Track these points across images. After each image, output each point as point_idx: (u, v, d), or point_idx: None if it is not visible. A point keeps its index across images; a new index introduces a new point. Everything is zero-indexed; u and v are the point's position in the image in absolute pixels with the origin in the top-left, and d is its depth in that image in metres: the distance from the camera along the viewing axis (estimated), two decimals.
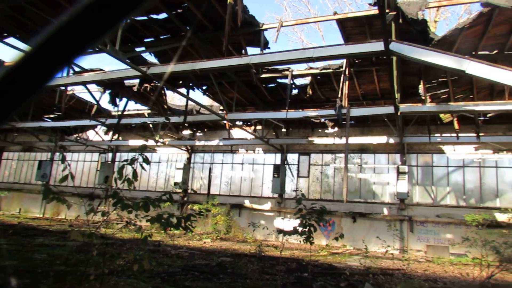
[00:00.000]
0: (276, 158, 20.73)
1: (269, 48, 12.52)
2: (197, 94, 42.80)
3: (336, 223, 18.17)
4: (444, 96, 14.34)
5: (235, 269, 9.03)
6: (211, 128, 22.37)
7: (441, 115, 15.58)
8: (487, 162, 17.14)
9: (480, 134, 15.10)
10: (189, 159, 22.84)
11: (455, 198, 17.32)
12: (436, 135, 16.51)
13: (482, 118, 15.34)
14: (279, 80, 15.20)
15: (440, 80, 13.54)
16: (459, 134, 15.25)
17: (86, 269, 5.25)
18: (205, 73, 11.73)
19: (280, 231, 7.70)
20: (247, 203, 20.42)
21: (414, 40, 9.33)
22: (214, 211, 18.38)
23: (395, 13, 9.85)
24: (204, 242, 15.83)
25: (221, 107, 17.41)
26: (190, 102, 14.97)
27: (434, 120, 16.56)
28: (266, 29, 11.67)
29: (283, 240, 10.62)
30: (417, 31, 10.54)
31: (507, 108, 11.31)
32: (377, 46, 8.85)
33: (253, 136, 17.84)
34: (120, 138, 23.28)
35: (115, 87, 15.42)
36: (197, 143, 20.85)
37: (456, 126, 14.97)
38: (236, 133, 21.08)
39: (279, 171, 19.25)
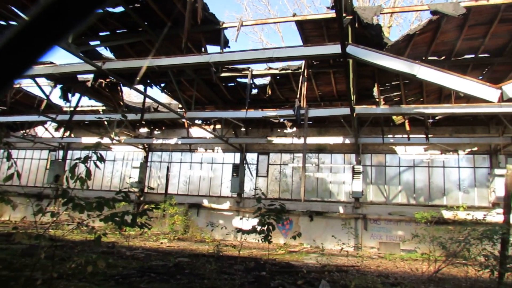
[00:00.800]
0: (236, 158, 20.72)
1: (229, 47, 12.47)
2: (155, 92, 41.84)
3: (294, 222, 18.46)
4: (396, 99, 14.99)
5: (193, 269, 8.90)
6: (169, 126, 21.93)
7: (394, 117, 16.27)
8: (435, 162, 18.15)
9: (429, 135, 15.92)
10: (146, 157, 22.26)
11: (406, 197, 18.18)
12: (389, 136, 17.22)
13: (431, 121, 16.19)
14: (239, 80, 15.19)
15: (393, 83, 14.13)
16: (410, 136, 16.01)
17: (33, 273, 4.95)
18: (163, 70, 11.47)
19: (238, 231, 7.68)
20: (205, 202, 20.25)
21: (369, 44, 9.64)
22: (171, 210, 18.05)
23: (351, 17, 10.15)
24: (161, 243, 15.50)
25: (180, 105, 17.13)
26: (147, 100, 14.60)
27: (387, 122, 17.26)
28: (226, 28, 11.61)
29: (242, 240, 10.62)
30: (372, 36, 10.91)
31: (453, 111, 12.00)
32: (335, 48, 9.08)
33: (213, 135, 17.71)
34: (72, 135, 22.25)
35: (67, 81, 14.70)
36: (155, 141, 20.37)
37: (408, 127, 15.69)
38: (195, 132, 20.83)
39: (238, 170, 19.25)
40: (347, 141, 16.93)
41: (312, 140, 17.16)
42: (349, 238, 16.10)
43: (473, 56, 12.57)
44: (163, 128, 22.24)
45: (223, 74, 14.35)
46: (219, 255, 10.03)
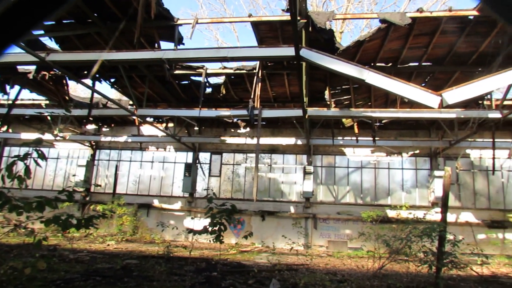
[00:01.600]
0: (188, 157, 20.41)
1: (183, 44, 12.26)
2: (104, 87, 40.14)
3: (246, 222, 18.53)
4: (346, 102, 15.54)
5: (142, 271, 8.63)
6: (119, 123, 21.13)
7: (344, 120, 16.85)
8: (381, 163, 19.05)
9: (376, 138, 16.67)
10: (93, 155, 21.28)
11: (353, 197, 18.90)
12: (339, 138, 17.83)
13: (378, 124, 16.94)
14: (193, 78, 14.97)
15: (343, 87, 14.63)
16: (359, 138, 16.67)
17: None
18: (114, 64, 11.03)
19: (190, 231, 7.56)
20: (156, 202, 19.74)
21: (322, 48, 9.89)
22: (119, 211, 17.38)
23: (305, 21, 10.38)
24: (108, 245, 14.89)
25: (131, 102, 16.55)
26: (96, 95, 13.94)
27: (338, 124, 17.84)
28: (181, 25, 11.40)
29: (193, 240, 10.46)
30: (325, 40, 11.23)
31: (398, 115, 12.66)
32: (289, 51, 9.23)
33: (165, 134, 17.30)
34: (10, 130, 20.75)
35: (6, 72, 13.68)
36: (103, 139, 19.53)
37: (356, 130, 16.32)
38: (146, 130, 20.21)
39: (190, 170, 18.97)
40: (299, 142, 17.29)
41: (265, 140, 17.35)
42: (300, 237, 16.43)
43: (417, 64, 13.34)
44: (112, 125, 21.39)
45: (176, 72, 14.08)
46: (169, 256, 9.81)
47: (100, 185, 7.32)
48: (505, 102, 12.79)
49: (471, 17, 10.31)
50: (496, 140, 14.68)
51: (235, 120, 17.36)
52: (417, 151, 18.72)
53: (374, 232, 9.09)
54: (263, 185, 19.43)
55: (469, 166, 18.32)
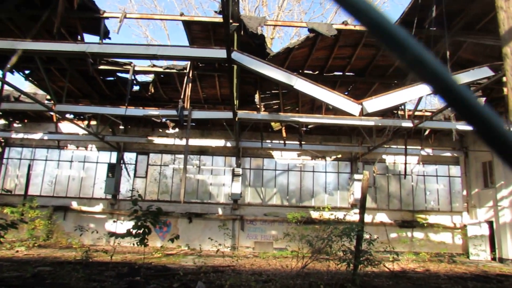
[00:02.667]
0: (112, 157, 19.38)
1: (109, 38, 11.66)
2: (17, 78, 36.59)
3: (172, 224, 18.10)
4: (275, 107, 15.97)
5: (56, 279, 7.98)
6: (33, 119, 19.34)
7: (272, 124, 17.30)
8: (306, 167, 19.86)
9: (302, 142, 17.38)
10: (1, 153, 19.23)
11: (280, 198, 19.46)
12: (267, 141, 18.25)
13: (304, 129, 17.64)
14: (119, 74, 14.28)
15: (273, 91, 15.01)
16: (286, 142, 17.22)
17: None
18: (30, 55, 10.10)
19: (112, 235, 7.18)
20: (74, 205, 18.43)
21: (253, 53, 10.06)
22: (32, 214, 15.88)
23: (237, 24, 10.46)
24: (17, 251, 13.55)
25: (48, 97, 15.29)
26: (6, 87, 12.62)
27: (266, 128, 18.26)
28: (107, 18, 10.83)
29: (115, 244, 9.94)
30: (256, 45, 11.43)
31: (323, 121, 13.32)
32: (221, 53, 9.24)
33: (86, 132, 16.24)
34: None
35: None
36: (14, 135, 17.78)
37: (284, 134, 16.85)
38: (66, 127, 18.80)
39: (114, 170, 18.03)
40: (229, 144, 17.36)
41: (195, 141, 17.14)
42: (227, 239, 16.47)
43: (341, 73, 14.18)
44: (26, 120, 19.52)
45: (101, 67, 13.31)
46: (88, 261, 9.21)
47: (10, 191, 6.46)
48: (416, 113, 14.11)
49: None
50: (408, 147, 16.14)
51: (163, 120, 16.90)
52: (339, 156, 19.85)
53: (299, 233, 9.43)
54: (191, 186, 19.16)
55: (384, 171, 19.89)
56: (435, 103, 29.97)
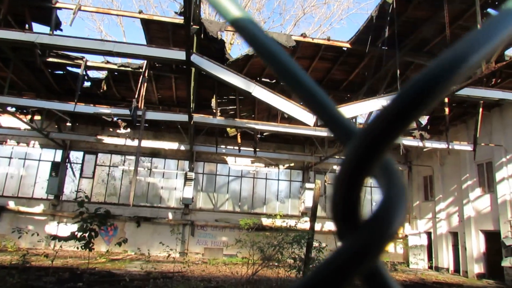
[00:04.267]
0: (57, 155, 18.30)
1: (61, 30, 11.10)
2: None
3: (119, 228, 17.38)
4: (231, 112, 15.95)
5: None
6: None
7: (228, 129, 17.25)
8: (259, 174, 19.99)
9: (257, 149, 17.47)
10: None
11: (232, 205, 19.39)
12: (222, 146, 18.14)
13: (259, 136, 17.77)
14: (69, 69, 13.59)
15: (230, 97, 15.00)
16: (241, 148, 17.22)
17: None
18: None
19: (54, 238, 6.75)
20: (12, 205, 17.12)
21: (212, 57, 10.01)
22: None
23: (198, 27, 10.38)
24: None
25: None
26: None
27: (222, 133, 18.17)
28: (60, 8, 10.30)
29: (57, 248, 9.38)
30: (216, 49, 11.39)
31: (278, 129, 13.49)
32: (180, 55, 9.09)
33: (29, 127, 15.21)
34: None
35: None
36: None
37: (239, 140, 16.85)
38: (6, 120, 17.47)
39: (58, 169, 17.02)
40: (182, 147, 17.04)
41: (147, 143, 16.62)
42: (177, 244, 16.11)
43: None
44: None
45: (50, 59, 12.59)
46: (25, 266, 8.56)
47: None
48: None
49: (345, 49, 11.68)
50: None
51: (115, 119, 16.23)
52: (292, 164, 20.20)
53: (250, 239, 9.44)
54: (141, 189, 18.57)
55: None
56: None
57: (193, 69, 10.78)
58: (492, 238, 15.04)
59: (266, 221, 16.76)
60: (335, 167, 20.05)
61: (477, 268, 15.53)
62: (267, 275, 8.80)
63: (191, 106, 12.12)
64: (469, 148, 14.84)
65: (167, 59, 9.23)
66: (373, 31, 10.19)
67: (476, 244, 15.74)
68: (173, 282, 8.09)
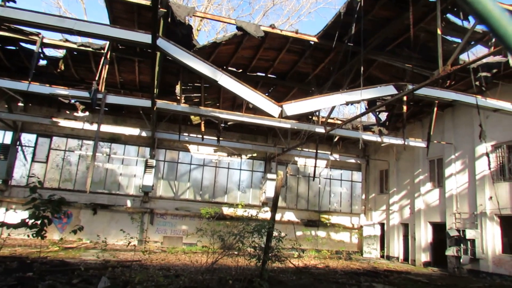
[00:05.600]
0: (6, 137, 17.23)
1: (14, 2, 10.31)
2: None
3: (73, 215, 16.74)
4: (196, 100, 15.72)
5: None
6: None
7: (192, 117, 17.02)
8: (221, 163, 19.93)
9: (220, 138, 17.40)
10: None
11: (193, 193, 19.24)
12: (185, 134, 17.88)
13: (223, 125, 17.71)
14: (23, 45, 12.76)
15: (195, 84, 14.77)
16: (204, 136, 17.06)
17: None
18: None
19: (2, 225, 6.37)
20: None
21: (179, 42, 9.77)
22: None
23: (165, 11, 10.10)
24: None
25: None
26: None
27: (185, 120, 17.90)
28: None
29: (4, 236, 8.91)
30: (183, 35, 11.11)
31: (243, 119, 13.49)
32: (145, 38, 8.79)
33: None
34: None
35: None
36: None
37: (202, 128, 16.68)
38: None
39: (7, 152, 16.04)
40: (144, 134, 16.62)
41: (107, 128, 16.01)
42: (136, 233, 15.80)
43: (264, 74, 14.51)
44: None
45: (1, 33, 11.75)
46: None
47: None
48: (329, 120, 15.05)
49: (312, 43, 11.80)
50: (318, 151, 17.15)
51: (72, 101, 15.51)
52: (255, 154, 20.31)
53: (211, 228, 9.42)
54: (99, 176, 17.96)
55: (295, 172, 20.89)
56: (346, 113, 32.37)
57: (158, 54, 10.48)
58: (439, 229, 16.02)
59: (227, 211, 16.80)
60: (296, 158, 20.40)
61: (424, 257, 16.51)
62: (227, 264, 8.84)
63: (155, 92, 11.81)
64: (423, 144, 15.62)
65: (131, 41, 8.88)
66: (340, 27, 10.36)
67: (424, 235, 16.70)
68: (131, 271, 7.94)
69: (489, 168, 12.45)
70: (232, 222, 9.80)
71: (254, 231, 8.56)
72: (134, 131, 16.53)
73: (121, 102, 13.25)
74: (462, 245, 14.05)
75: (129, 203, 17.76)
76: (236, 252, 8.72)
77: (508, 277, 12.39)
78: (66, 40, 12.60)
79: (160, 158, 18.93)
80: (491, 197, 13.46)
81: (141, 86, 15.50)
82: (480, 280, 12.65)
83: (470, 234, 13.76)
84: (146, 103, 12.58)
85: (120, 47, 12.49)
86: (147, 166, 17.19)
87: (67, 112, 17.74)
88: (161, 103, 12.73)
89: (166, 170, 19.08)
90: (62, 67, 13.63)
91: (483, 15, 0.38)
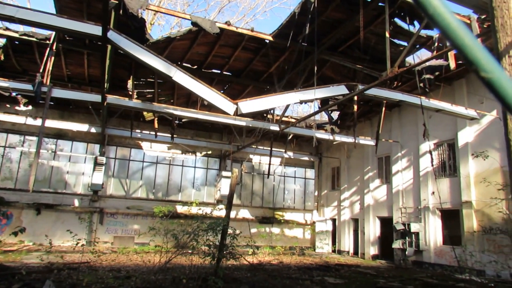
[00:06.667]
0: None
1: None
2: None
3: (14, 216, 15.65)
4: (149, 96, 15.32)
5: None
6: None
7: (145, 113, 16.54)
8: (175, 160, 19.58)
9: (174, 135, 17.07)
10: None
11: (146, 191, 18.74)
12: (137, 130, 17.35)
13: (177, 122, 17.39)
14: None
15: (148, 80, 14.38)
16: (158, 133, 16.66)
17: None
18: None
19: None
20: None
21: (131, 36, 9.46)
22: None
23: (117, 2, 9.71)
24: None
25: None
26: None
27: (138, 117, 17.36)
28: None
29: None
30: (135, 28, 10.76)
31: (198, 116, 13.33)
32: (95, 29, 8.42)
33: None
34: None
35: None
36: None
37: (156, 125, 16.27)
38: None
39: None
40: (93, 130, 15.92)
41: (52, 123, 15.12)
42: (84, 233, 15.10)
43: (219, 71, 14.43)
44: None
45: None
46: None
47: None
48: (283, 119, 15.28)
49: (267, 41, 11.90)
50: (273, 149, 17.36)
51: (14, 94, 14.47)
52: (210, 152, 20.17)
53: (164, 227, 9.22)
54: (44, 174, 16.97)
55: (250, 169, 21.01)
56: (300, 111, 33.03)
57: (109, 47, 10.09)
58: (386, 224, 16.84)
59: (181, 209, 16.55)
60: (251, 156, 20.52)
61: (373, 250, 17.29)
62: (181, 263, 8.70)
63: (105, 86, 11.35)
64: (372, 143, 16.31)
65: (80, 32, 8.46)
66: (295, 27, 10.54)
67: (373, 229, 17.48)
68: (79, 273, 7.57)
69: (432, 165, 13.27)
70: (186, 221, 9.65)
71: (209, 229, 8.51)
72: (82, 127, 15.78)
73: (69, 96, 12.57)
74: (407, 238, 14.87)
75: (76, 203, 16.94)
76: (190, 251, 8.62)
77: (448, 267, 13.29)
78: (7, 29, 11.76)
79: (111, 156, 18.25)
80: (433, 192, 14.36)
81: (91, 80, 14.83)
82: (423, 271, 13.47)
83: (414, 227, 14.61)
84: (96, 98, 12.04)
85: (67, 38, 11.84)
86: (96, 164, 16.48)
87: (7, 105, 16.54)
88: (112, 98, 12.24)
89: (117, 168, 18.43)
90: (2, 57, 12.71)
91: (442, 26, 0.41)
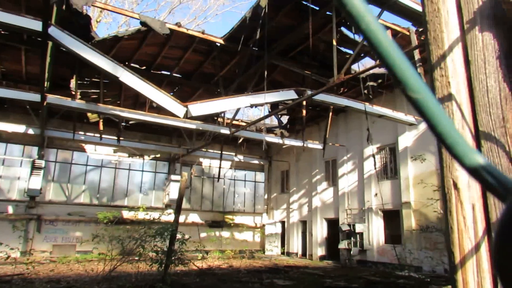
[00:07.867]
0: None
1: None
2: None
3: None
4: (94, 96, 14.64)
5: None
6: None
7: (89, 114, 15.76)
8: (122, 164, 18.86)
9: (121, 138, 16.43)
10: None
11: (89, 197, 17.83)
12: (80, 132, 16.48)
13: (124, 124, 16.76)
14: None
15: (93, 79, 13.75)
16: (103, 136, 15.94)
17: None
18: None
19: None
20: None
21: (75, 33, 9.01)
22: None
23: None
24: None
25: None
26: None
27: (81, 118, 16.49)
28: None
29: None
30: (80, 25, 10.26)
31: (146, 119, 12.96)
32: (35, 24, 7.93)
33: None
34: None
35: None
36: None
37: (101, 127, 15.57)
38: None
39: None
40: (31, 131, 14.88)
41: None
42: (19, 243, 14.03)
43: (169, 73, 14.14)
44: None
45: None
46: None
47: None
48: (234, 122, 15.29)
49: (218, 44, 11.87)
50: (223, 152, 17.31)
51: None
52: (158, 155, 19.67)
53: (109, 234, 8.84)
54: None
55: (200, 173, 20.77)
56: (250, 115, 33.23)
57: (50, 43, 9.51)
58: (333, 225, 17.42)
59: (127, 214, 15.90)
60: (201, 159, 20.31)
61: (320, 251, 17.80)
62: (127, 271, 8.38)
63: (45, 85, 10.68)
64: (319, 146, 16.82)
65: (18, 27, 7.92)
66: (246, 31, 10.61)
67: (320, 231, 18.00)
68: (12, 286, 6.98)
69: (375, 168, 13.94)
70: (133, 226, 9.32)
71: (156, 235, 8.31)
72: (18, 128, 14.69)
73: (3, 95, 11.68)
74: (352, 238, 15.48)
75: (10, 209, 15.72)
76: (136, 258, 8.34)
77: (389, 265, 14.02)
78: None
79: (51, 159, 17.17)
80: (376, 194, 15.10)
81: (29, 77, 13.87)
82: (367, 269, 14.09)
83: (359, 228, 15.25)
84: (35, 97, 11.29)
85: (2, 32, 10.99)
86: (34, 168, 15.42)
87: None
88: (52, 98, 11.53)
89: (58, 172, 17.38)
90: None
91: (373, 43, 0.42)
